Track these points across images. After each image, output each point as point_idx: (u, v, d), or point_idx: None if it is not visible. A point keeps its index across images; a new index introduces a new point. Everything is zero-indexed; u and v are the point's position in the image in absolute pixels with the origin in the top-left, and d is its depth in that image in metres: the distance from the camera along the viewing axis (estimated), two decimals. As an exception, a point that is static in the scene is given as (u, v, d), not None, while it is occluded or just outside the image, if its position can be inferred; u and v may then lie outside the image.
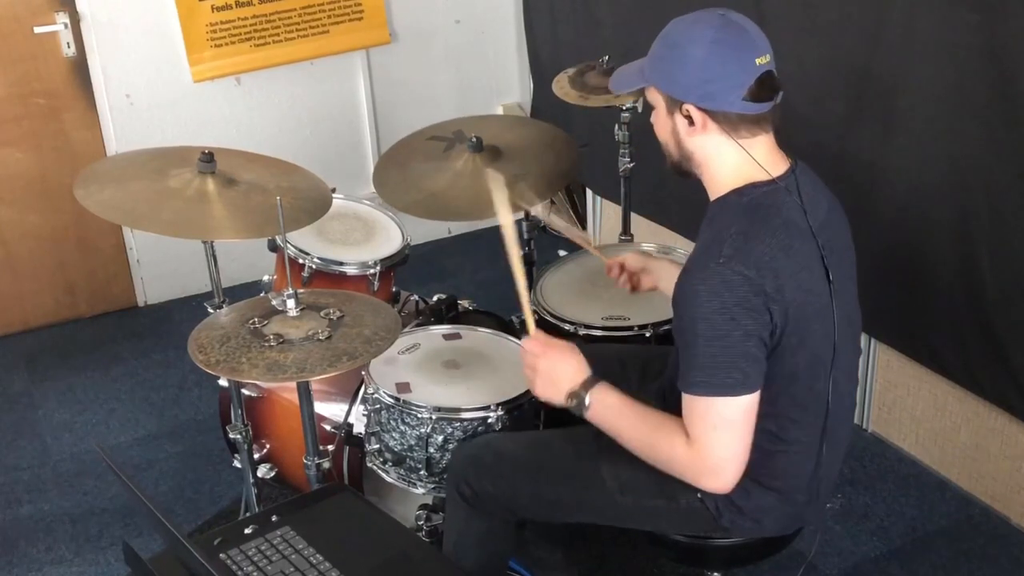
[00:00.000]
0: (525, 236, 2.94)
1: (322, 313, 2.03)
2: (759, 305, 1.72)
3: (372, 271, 2.67)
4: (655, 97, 1.87)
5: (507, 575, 2.38)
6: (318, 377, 1.90)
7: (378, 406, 2.31)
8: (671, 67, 1.81)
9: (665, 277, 2.29)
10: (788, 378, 1.80)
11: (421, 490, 2.31)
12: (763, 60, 1.77)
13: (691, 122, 1.81)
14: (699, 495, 1.90)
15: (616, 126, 2.93)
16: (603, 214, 4.27)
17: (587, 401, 1.92)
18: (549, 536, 2.52)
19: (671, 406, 1.88)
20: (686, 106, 1.80)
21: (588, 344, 2.50)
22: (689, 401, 1.79)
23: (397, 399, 2.26)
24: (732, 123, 1.80)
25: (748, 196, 1.81)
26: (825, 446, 1.88)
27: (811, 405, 1.84)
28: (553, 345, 2.00)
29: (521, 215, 2.92)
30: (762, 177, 1.82)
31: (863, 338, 3.06)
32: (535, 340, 2.02)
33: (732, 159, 1.83)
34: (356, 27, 4.10)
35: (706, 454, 1.78)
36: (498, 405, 2.23)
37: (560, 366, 1.97)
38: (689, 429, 1.79)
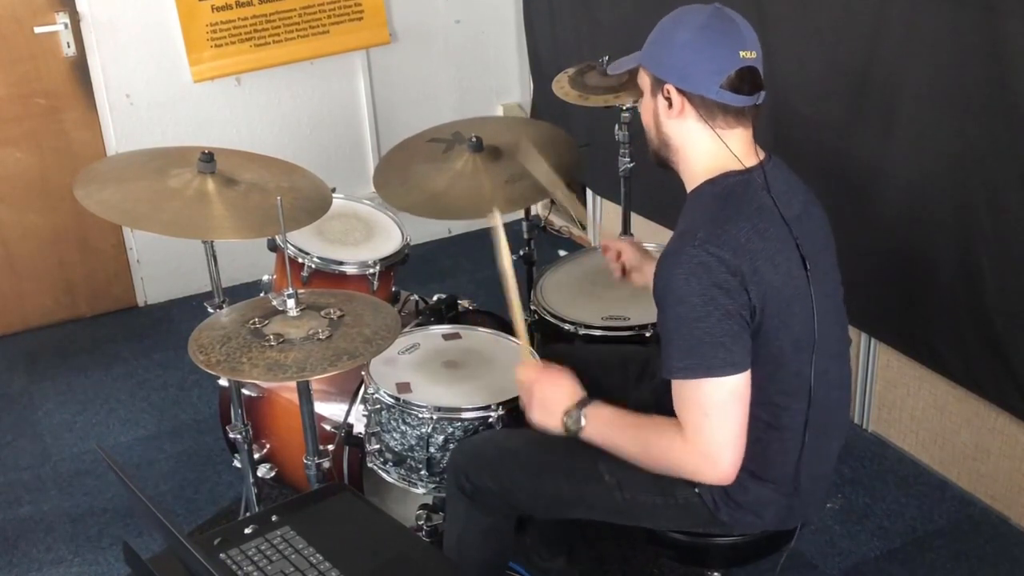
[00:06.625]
0: (525, 236, 2.94)
1: (322, 313, 2.03)
2: (736, 285, 1.73)
3: (372, 271, 2.67)
4: (643, 79, 1.92)
5: (507, 574, 2.38)
6: (318, 376, 1.90)
7: (378, 406, 2.31)
8: (658, 48, 1.87)
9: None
10: (774, 363, 1.81)
11: (421, 490, 2.31)
12: (747, 54, 1.80)
13: (670, 104, 1.85)
14: (696, 490, 1.90)
15: (616, 126, 2.93)
16: (603, 214, 4.28)
17: (582, 420, 1.92)
18: (551, 543, 2.52)
19: (664, 406, 1.87)
20: (666, 87, 1.84)
21: (588, 345, 2.51)
22: (678, 388, 1.79)
23: (397, 399, 2.27)
24: (709, 110, 1.82)
25: (721, 185, 1.84)
26: (813, 434, 1.87)
27: (799, 392, 1.85)
28: (546, 371, 2.02)
29: (521, 214, 2.92)
30: (736, 167, 1.84)
31: (863, 338, 3.06)
32: (529, 367, 2.05)
33: (706, 147, 1.86)
34: (356, 27, 4.10)
35: (701, 442, 1.77)
36: (499, 405, 2.23)
37: (553, 390, 1.99)
38: (682, 419, 1.79)
